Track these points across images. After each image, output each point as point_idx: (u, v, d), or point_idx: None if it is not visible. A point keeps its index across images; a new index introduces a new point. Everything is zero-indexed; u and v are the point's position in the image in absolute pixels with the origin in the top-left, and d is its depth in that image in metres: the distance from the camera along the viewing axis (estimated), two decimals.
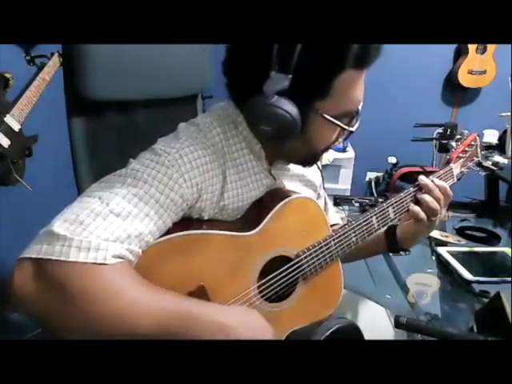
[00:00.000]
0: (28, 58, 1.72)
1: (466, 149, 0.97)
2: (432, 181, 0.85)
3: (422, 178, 0.85)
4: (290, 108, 0.63)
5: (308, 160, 0.78)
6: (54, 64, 1.72)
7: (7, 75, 1.62)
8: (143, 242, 0.60)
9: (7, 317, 1.56)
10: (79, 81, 0.84)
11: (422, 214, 0.83)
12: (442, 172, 0.90)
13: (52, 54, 1.73)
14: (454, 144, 0.98)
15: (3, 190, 1.62)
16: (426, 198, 0.83)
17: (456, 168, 0.94)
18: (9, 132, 1.56)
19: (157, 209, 0.61)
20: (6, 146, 1.55)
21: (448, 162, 0.94)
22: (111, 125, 0.94)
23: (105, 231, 0.56)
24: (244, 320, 0.61)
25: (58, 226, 0.55)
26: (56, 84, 1.56)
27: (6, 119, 1.55)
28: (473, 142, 0.98)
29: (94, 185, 0.63)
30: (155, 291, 0.58)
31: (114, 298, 0.54)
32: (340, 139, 0.76)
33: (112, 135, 0.93)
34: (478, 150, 0.99)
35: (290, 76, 0.61)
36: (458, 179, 0.94)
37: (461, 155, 0.96)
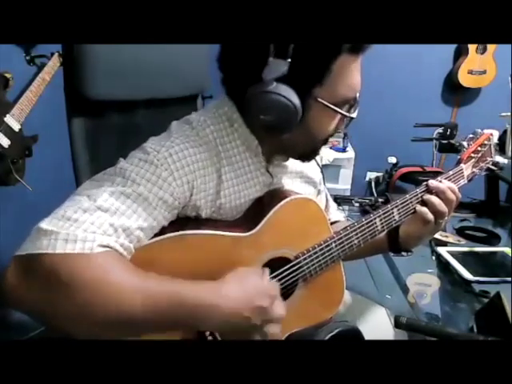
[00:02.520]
0: (28, 58, 1.72)
1: (479, 148, 0.94)
2: (440, 181, 0.84)
3: (432, 182, 0.83)
4: (289, 94, 0.63)
5: (307, 153, 0.77)
6: (53, 64, 1.72)
7: (7, 75, 1.62)
8: (133, 237, 0.60)
9: (7, 317, 1.56)
10: (79, 81, 0.84)
11: (430, 216, 0.81)
12: (451, 173, 0.88)
13: (52, 54, 1.73)
14: (465, 144, 0.95)
15: (3, 190, 1.62)
16: (434, 199, 0.82)
17: (467, 169, 0.91)
18: (9, 132, 1.56)
19: (145, 206, 0.61)
20: (6, 146, 1.54)
21: (458, 162, 0.91)
22: (111, 125, 0.94)
23: (92, 225, 0.56)
24: (240, 297, 0.60)
25: (47, 222, 0.56)
26: (56, 84, 1.56)
27: (6, 119, 1.55)
28: (486, 142, 0.95)
29: (85, 183, 0.64)
30: (143, 276, 0.57)
31: (101, 284, 0.54)
32: (340, 128, 0.74)
33: (112, 135, 0.93)
34: (492, 149, 0.96)
35: (289, 61, 0.61)
36: (469, 180, 0.92)
37: (472, 155, 0.93)
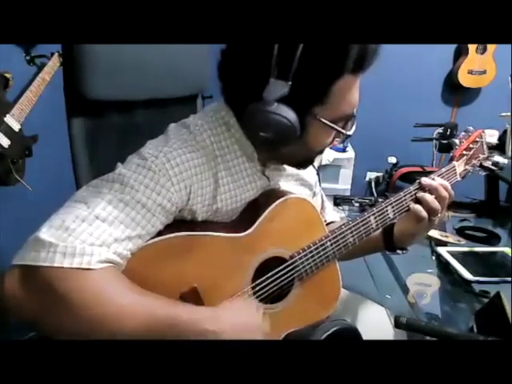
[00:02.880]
0: (28, 58, 1.72)
1: (471, 146, 0.94)
2: (433, 179, 0.84)
3: (425, 179, 0.84)
4: (290, 115, 0.63)
5: (303, 163, 0.78)
6: (53, 64, 1.72)
7: (7, 75, 1.62)
8: (131, 245, 0.60)
9: (7, 317, 1.56)
10: (79, 81, 0.84)
11: (424, 213, 0.82)
12: (444, 170, 0.89)
13: (52, 54, 1.73)
14: (457, 141, 0.95)
15: (3, 190, 1.62)
16: (427, 197, 0.82)
17: (459, 166, 0.91)
18: (9, 132, 1.56)
19: (144, 213, 0.61)
20: (6, 146, 1.54)
21: (451, 160, 0.92)
22: (111, 125, 0.94)
23: (90, 236, 0.56)
24: (234, 325, 0.61)
25: (45, 232, 0.55)
26: (56, 84, 1.56)
27: (6, 119, 1.55)
28: (477, 139, 0.95)
29: (82, 189, 0.63)
30: (140, 296, 0.57)
31: (97, 303, 0.54)
32: (336, 141, 0.76)
33: (112, 135, 0.93)
34: (484, 146, 0.96)
35: (290, 83, 0.61)
36: (463, 177, 0.92)
37: (465, 152, 0.94)
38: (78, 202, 0.60)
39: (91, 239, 0.56)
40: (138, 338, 0.55)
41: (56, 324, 0.55)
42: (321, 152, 0.76)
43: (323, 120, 0.67)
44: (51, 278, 0.54)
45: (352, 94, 0.68)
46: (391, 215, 0.83)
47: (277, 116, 0.63)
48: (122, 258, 0.59)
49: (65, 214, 0.58)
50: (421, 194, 0.83)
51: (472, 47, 2.70)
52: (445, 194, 0.83)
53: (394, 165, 2.77)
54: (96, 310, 0.54)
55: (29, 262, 0.54)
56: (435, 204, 0.82)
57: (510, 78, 1.69)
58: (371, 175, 3.04)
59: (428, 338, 0.76)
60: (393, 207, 0.83)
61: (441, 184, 0.83)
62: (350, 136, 0.73)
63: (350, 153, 2.76)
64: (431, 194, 0.83)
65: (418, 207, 0.82)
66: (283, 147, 0.69)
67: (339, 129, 0.69)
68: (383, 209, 0.82)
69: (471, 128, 0.97)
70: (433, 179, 0.84)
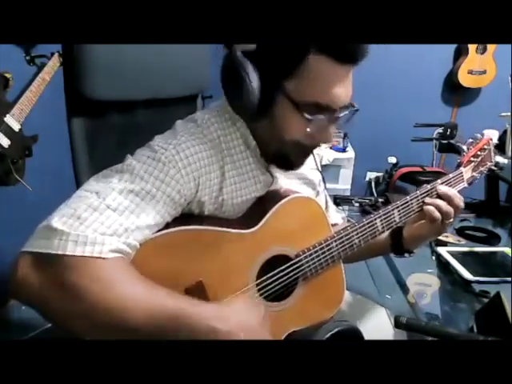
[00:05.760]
0: (28, 58, 1.72)
1: (478, 153, 0.95)
2: (439, 188, 0.85)
3: (441, 187, 0.85)
4: (251, 71, 0.64)
5: (279, 157, 0.74)
6: (53, 64, 1.71)
7: (7, 75, 1.62)
8: (141, 236, 0.61)
9: (7, 317, 1.56)
10: (79, 81, 0.84)
11: (437, 214, 0.82)
12: (451, 176, 0.89)
13: (52, 54, 1.73)
14: (464, 148, 0.97)
15: (3, 190, 1.61)
16: (439, 202, 0.83)
17: (467, 172, 0.92)
18: (9, 132, 1.56)
19: (153, 204, 0.62)
20: (6, 146, 1.54)
21: (458, 166, 0.92)
22: (111, 125, 0.94)
23: (101, 225, 0.57)
24: (238, 324, 0.60)
25: (56, 220, 0.56)
26: (56, 84, 1.56)
27: (6, 119, 1.55)
28: (485, 146, 0.96)
29: (92, 179, 0.64)
30: (149, 287, 0.58)
31: (106, 292, 0.55)
32: (322, 140, 0.72)
33: (112, 135, 0.93)
34: (492, 154, 0.97)
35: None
36: (470, 184, 0.93)
37: (472, 159, 0.94)
38: (88, 192, 0.60)
39: (102, 228, 0.57)
40: (144, 329, 0.55)
41: (65, 312, 0.55)
42: (298, 148, 0.71)
43: (291, 97, 0.64)
44: (63, 265, 0.54)
45: (330, 82, 0.64)
46: (397, 219, 0.83)
47: (238, 68, 0.64)
48: (132, 248, 0.60)
49: (76, 203, 0.59)
50: (431, 200, 0.83)
51: (472, 47, 2.70)
52: (460, 204, 0.84)
53: (394, 165, 2.77)
54: (105, 299, 0.54)
55: (41, 249, 0.55)
56: (447, 207, 0.82)
57: (510, 78, 1.70)
58: (371, 175, 3.04)
59: (428, 337, 0.77)
60: (399, 210, 0.83)
61: (455, 194, 0.84)
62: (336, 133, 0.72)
63: (350, 153, 2.76)
64: (448, 203, 0.83)
65: (432, 208, 0.82)
66: (255, 118, 0.69)
67: (308, 115, 0.65)
68: (389, 212, 0.82)
69: (479, 135, 0.98)
70: (438, 188, 0.85)
